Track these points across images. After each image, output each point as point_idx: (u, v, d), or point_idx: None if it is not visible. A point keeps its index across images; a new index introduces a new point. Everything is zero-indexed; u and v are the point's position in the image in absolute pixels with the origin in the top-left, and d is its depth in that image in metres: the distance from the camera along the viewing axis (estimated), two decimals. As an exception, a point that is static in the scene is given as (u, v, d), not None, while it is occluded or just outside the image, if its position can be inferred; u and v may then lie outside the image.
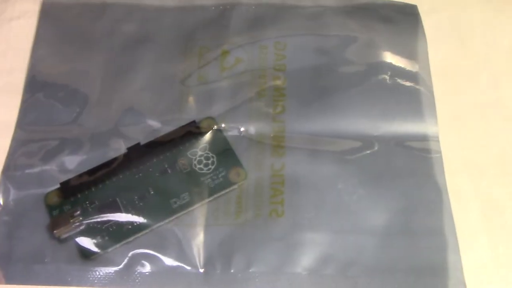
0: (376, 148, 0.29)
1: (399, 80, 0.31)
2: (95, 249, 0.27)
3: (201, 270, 0.27)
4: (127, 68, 0.32)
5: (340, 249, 0.26)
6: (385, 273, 0.26)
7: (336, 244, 0.27)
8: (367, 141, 0.29)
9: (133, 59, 0.32)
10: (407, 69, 0.31)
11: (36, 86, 0.31)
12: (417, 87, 0.31)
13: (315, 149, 0.29)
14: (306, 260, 0.26)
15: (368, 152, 0.29)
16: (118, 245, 0.27)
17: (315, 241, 0.27)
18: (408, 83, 0.31)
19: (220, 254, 0.27)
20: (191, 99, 0.31)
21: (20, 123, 0.31)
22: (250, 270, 0.26)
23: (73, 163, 0.29)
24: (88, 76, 0.31)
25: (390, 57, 0.32)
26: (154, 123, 0.30)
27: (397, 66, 0.31)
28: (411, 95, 0.30)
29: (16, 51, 0.33)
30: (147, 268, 0.27)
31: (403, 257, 0.26)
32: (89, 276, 0.27)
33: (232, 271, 0.26)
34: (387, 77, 0.31)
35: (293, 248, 0.27)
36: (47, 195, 0.28)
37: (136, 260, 0.27)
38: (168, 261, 0.27)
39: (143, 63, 0.32)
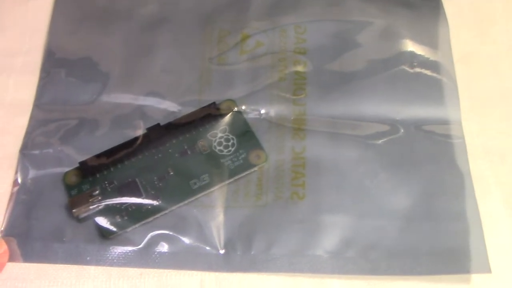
0: (398, 132, 0.29)
1: (420, 66, 0.30)
2: (114, 228, 0.27)
3: (221, 251, 0.26)
4: (147, 49, 0.31)
5: (362, 232, 0.26)
6: (406, 257, 0.25)
7: (358, 227, 0.26)
8: (389, 125, 0.29)
9: (153, 40, 0.31)
10: (428, 54, 0.31)
11: (54, 64, 0.31)
12: (439, 73, 0.30)
13: (336, 132, 0.29)
14: (327, 242, 0.26)
15: (390, 136, 0.28)
16: (137, 225, 0.27)
17: (336, 224, 0.26)
18: (429, 69, 0.30)
19: (240, 236, 0.26)
20: (211, 81, 0.30)
21: (38, 102, 0.30)
22: (271, 252, 0.26)
23: (91, 143, 0.29)
24: (108, 56, 0.31)
25: (411, 43, 0.31)
26: (173, 105, 0.30)
27: (419, 51, 0.31)
28: (433, 81, 0.30)
29: (34, 31, 0.33)
30: (166, 248, 0.26)
31: (425, 242, 0.26)
32: (108, 255, 0.26)
33: (252, 252, 0.26)
34: (408, 63, 0.30)
35: (314, 231, 0.26)
36: (65, 174, 0.28)
37: (155, 240, 0.26)
38: (188, 242, 0.26)
39: (163, 45, 0.31)
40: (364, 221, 0.26)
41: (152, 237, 0.26)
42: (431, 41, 0.31)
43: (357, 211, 0.27)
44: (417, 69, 0.30)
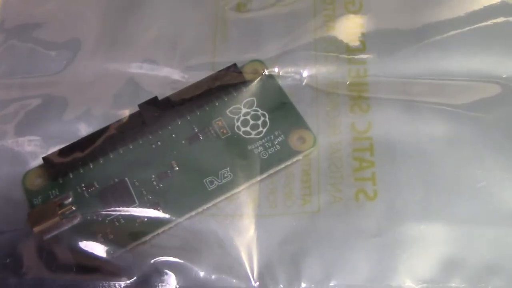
0: (505, 95, 0.21)
1: None
2: (94, 253, 0.20)
3: (255, 284, 0.19)
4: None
5: (470, 248, 0.19)
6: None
7: (463, 240, 0.19)
8: (491, 86, 0.21)
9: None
10: None
11: (8, 31, 0.25)
12: None
13: (413, 100, 0.21)
14: (417, 266, 0.18)
15: (494, 102, 0.21)
16: (128, 248, 0.20)
17: (429, 237, 0.19)
18: None
19: (282, 260, 0.19)
20: (228, 35, 0.24)
21: None
22: (331, 284, 0.18)
23: (61, 130, 0.22)
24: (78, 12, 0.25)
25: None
26: (176, 71, 0.23)
27: None
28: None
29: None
30: (172, 282, 0.19)
31: None
32: None
33: (302, 285, 0.19)
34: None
35: (395, 249, 0.19)
36: (25, 175, 0.21)
37: (155, 270, 0.20)
38: (204, 271, 0.19)
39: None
40: (472, 232, 0.19)
41: (151, 265, 0.20)
42: None
43: (461, 216, 0.19)
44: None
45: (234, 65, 0.22)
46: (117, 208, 0.20)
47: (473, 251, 0.18)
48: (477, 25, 0.22)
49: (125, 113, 0.22)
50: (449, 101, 0.21)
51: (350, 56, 0.22)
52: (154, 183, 0.20)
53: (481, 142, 0.20)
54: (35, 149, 0.22)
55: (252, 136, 0.21)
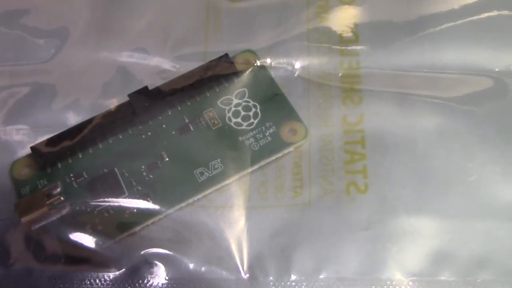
0: (498, 89, 0.20)
1: None
2: (83, 244, 0.19)
3: (245, 276, 0.18)
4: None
5: (461, 241, 0.18)
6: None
7: (454, 234, 0.18)
8: (484, 80, 0.20)
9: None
10: None
11: None
12: None
13: (405, 92, 0.21)
14: (407, 259, 0.18)
15: (486, 95, 0.20)
16: (117, 239, 0.19)
17: (419, 230, 0.18)
18: None
19: (272, 252, 0.19)
20: (220, 25, 0.23)
21: None
22: (321, 277, 0.18)
23: (50, 119, 0.22)
24: None
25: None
26: (166, 60, 0.22)
27: None
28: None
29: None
30: (161, 273, 0.19)
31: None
32: (74, 285, 0.19)
33: (292, 277, 0.18)
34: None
35: (386, 241, 0.18)
36: (13, 165, 0.21)
37: (144, 261, 0.19)
38: (194, 263, 0.19)
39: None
40: (463, 225, 0.18)
41: (141, 256, 0.19)
42: None
43: (451, 210, 0.19)
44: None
45: (226, 55, 0.21)
46: (106, 199, 0.20)
47: (463, 245, 0.18)
48: (470, 18, 0.21)
49: (115, 102, 0.21)
50: (442, 94, 0.20)
51: (343, 47, 0.21)
52: (144, 173, 0.20)
53: (473, 136, 0.20)
54: (23, 138, 0.21)
55: (243, 127, 0.20)
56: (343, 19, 0.22)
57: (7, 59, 0.23)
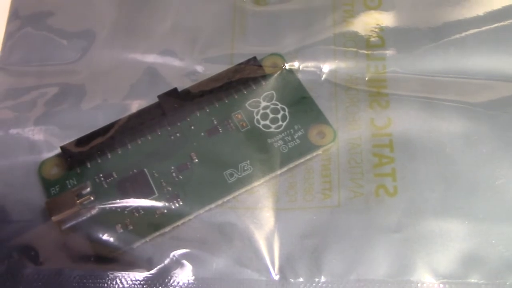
0: None
1: None
2: (113, 244, 0.19)
3: (276, 277, 0.18)
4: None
5: (489, 244, 0.18)
6: None
7: (483, 237, 0.18)
8: (509, 85, 0.20)
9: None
10: None
11: (23, 19, 0.24)
12: None
13: (431, 97, 0.21)
14: (437, 262, 0.18)
15: None
16: (147, 239, 0.19)
17: (448, 233, 0.18)
18: None
19: (302, 254, 0.19)
20: (246, 28, 0.23)
21: (5, 63, 0.23)
22: (351, 278, 0.18)
23: (79, 119, 0.21)
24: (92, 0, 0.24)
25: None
26: (194, 62, 0.22)
27: None
28: None
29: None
30: (191, 273, 0.19)
31: None
32: (105, 284, 0.18)
33: (322, 279, 0.18)
34: None
35: (415, 245, 0.18)
36: (42, 165, 0.21)
37: (174, 261, 0.19)
38: (224, 264, 0.19)
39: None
40: (491, 228, 0.18)
41: (171, 256, 0.19)
42: None
43: (481, 213, 0.19)
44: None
45: (254, 58, 0.21)
46: (136, 199, 0.19)
47: (492, 248, 0.18)
48: (496, 25, 0.21)
49: (143, 103, 0.21)
50: (468, 99, 0.20)
51: (369, 52, 0.21)
52: (174, 174, 0.20)
53: (500, 140, 0.20)
54: (51, 138, 0.21)
55: (271, 129, 0.20)
56: (368, 24, 0.22)
57: (35, 59, 0.23)
